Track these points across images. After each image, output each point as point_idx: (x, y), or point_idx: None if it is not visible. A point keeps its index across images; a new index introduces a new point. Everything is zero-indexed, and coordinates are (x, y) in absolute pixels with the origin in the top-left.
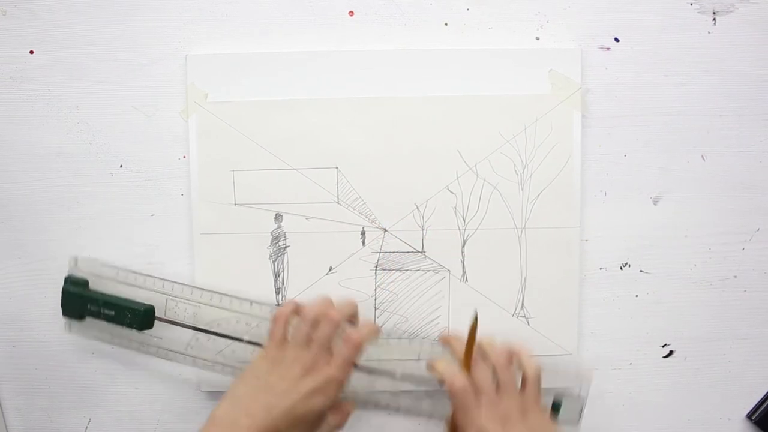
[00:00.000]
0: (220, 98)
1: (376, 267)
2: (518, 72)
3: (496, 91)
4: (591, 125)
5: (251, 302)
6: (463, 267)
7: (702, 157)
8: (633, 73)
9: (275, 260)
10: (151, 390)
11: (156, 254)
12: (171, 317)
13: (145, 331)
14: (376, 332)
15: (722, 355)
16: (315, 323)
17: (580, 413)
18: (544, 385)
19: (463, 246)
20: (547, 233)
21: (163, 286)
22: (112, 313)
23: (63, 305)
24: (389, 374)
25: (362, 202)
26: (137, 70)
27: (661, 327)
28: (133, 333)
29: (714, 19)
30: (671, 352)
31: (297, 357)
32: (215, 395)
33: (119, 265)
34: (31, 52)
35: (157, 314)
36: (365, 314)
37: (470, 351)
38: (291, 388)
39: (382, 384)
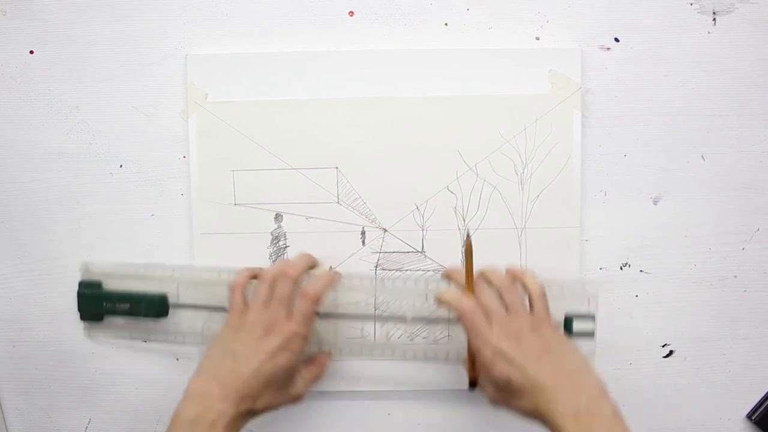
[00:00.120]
0: (220, 98)
1: (376, 267)
2: (518, 72)
3: (496, 91)
4: (591, 125)
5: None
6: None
7: (702, 157)
8: (633, 73)
9: (275, 260)
10: (151, 390)
11: (156, 254)
12: (185, 301)
13: (161, 320)
14: (334, 281)
15: (722, 355)
16: (273, 283)
17: (593, 327)
18: (553, 309)
19: (464, 246)
20: (547, 233)
21: (173, 272)
22: (128, 306)
23: (80, 309)
24: (400, 319)
25: (362, 202)
26: (137, 70)
27: (661, 327)
28: (150, 323)
29: (714, 19)
30: (671, 352)
31: (257, 319)
32: None
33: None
34: (31, 52)
35: (170, 301)
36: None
37: (471, 274)
38: (255, 350)
39: (395, 330)
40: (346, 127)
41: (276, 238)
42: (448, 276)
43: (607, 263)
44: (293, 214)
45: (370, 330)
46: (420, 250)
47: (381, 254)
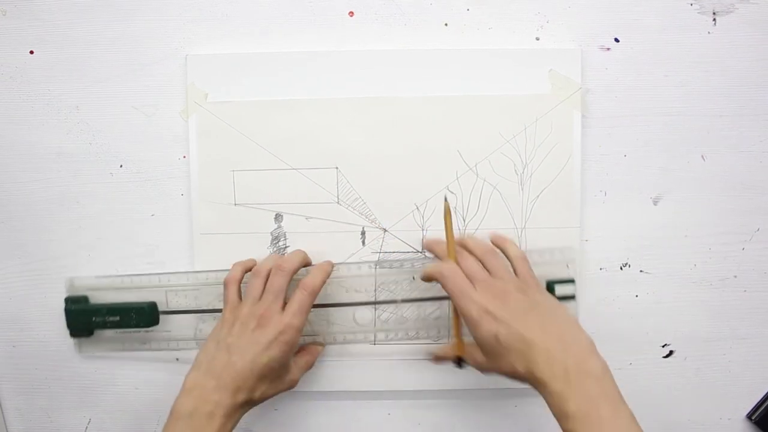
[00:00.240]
0: (220, 98)
1: (376, 267)
2: (518, 72)
3: (496, 91)
4: (591, 125)
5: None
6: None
7: (702, 157)
8: (633, 73)
9: None
10: (151, 390)
11: (156, 254)
12: (174, 307)
13: (153, 328)
14: (329, 273)
15: (722, 355)
16: (267, 277)
17: (574, 291)
18: (541, 274)
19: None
20: (547, 233)
21: (159, 280)
22: (118, 318)
23: (69, 325)
24: (391, 302)
25: (362, 202)
26: (137, 70)
27: (661, 327)
28: (141, 333)
29: (714, 19)
30: (671, 352)
31: (251, 312)
32: None
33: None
34: (31, 52)
35: (160, 308)
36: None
37: (451, 239)
38: (249, 342)
39: (386, 313)
40: (346, 127)
41: (276, 238)
42: (429, 247)
43: (607, 263)
44: (293, 214)
45: (362, 316)
46: (420, 250)
47: (381, 254)
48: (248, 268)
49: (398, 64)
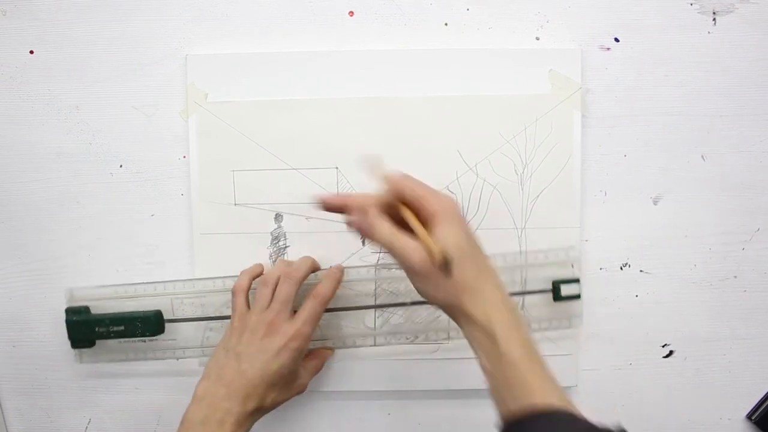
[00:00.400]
0: (220, 98)
1: (376, 267)
2: (518, 72)
3: (496, 91)
4: (591, 125)
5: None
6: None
7: (702, 157)
8: (633, 73)
9: (275, 260)
10: (151, 390)
11: (156, 254)
12: (179, 315)
13: (158, 337)
14: (340, 280)
15: (722, 355)
16: (275, 285)
17: (579, 290)
18: (540, 275)
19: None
20: (547, 233)
21: (165, 288)
22: (122, 328)
23: (70, 337)
24: (401, 305)
25: None
26: (137, 70)
27: (661, 327)
28: (146, 343)
29: (714, 19)
30: (671, 352)
31: (260, 320)
32: None
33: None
34: (31, 52)
35: (165, 317)
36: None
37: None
38: (259, 350)
39: (395, 316)
40: (346, 127)
41: (276, 238)
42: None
43: (607, 263)
44: (293, 214)
45: (371, 320)
46: None
47: (381, 254)
48: (255, 275)
49: (398, 64)
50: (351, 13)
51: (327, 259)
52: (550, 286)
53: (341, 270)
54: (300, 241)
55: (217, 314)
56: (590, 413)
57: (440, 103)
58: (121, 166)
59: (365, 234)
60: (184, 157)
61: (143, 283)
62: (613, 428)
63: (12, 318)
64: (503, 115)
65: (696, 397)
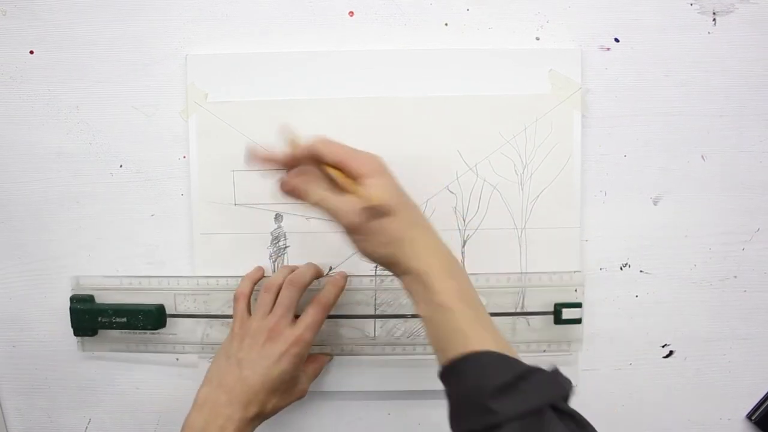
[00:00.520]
0: (220, 98)
1: (376, 267)
2: (518, 72)
3: (496, 91)
4: (591, 125)
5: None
6: (463, 267)
7: (702, 157)
8: (633, 73)
9: (275, 260)
10: (151, 390)
11: (156, 254)
12: (182, 311)
13: (159, 331)
14: (343, 287)
15: (722, 355)
16: (276, 291)
17: (581, 315)
18: (543, 298)
19: (463, 246)
20: (547, 233)
21: (169, 283)
22: (125, 320)
23: (74, 325)
24: (400, 316)
25: None
26: (137, 70)
27: (661, 327)
28: (147, 336)
29: (714, 19)
30: (671, 352)
31: (260, 326)
32: None
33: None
34: (31, 52)
35: (167, 311)
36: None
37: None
38: (260, 356)
39: (395, 328)
40: (346, 127)
41: (276, 238)
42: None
43: (607, 263)
44: (293, 214)
45: (371, 329)
46: None
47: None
48: (257, 279)
49: (398, 64)
50: (351, 13)
51: (327, 260)
52: (551, 308)
53: (344, 277)
54: (300, 241)
55: (218, 313)
56: (590, 413)
57: (440, 103)
58: (121, 166)
59: (299, 196)
60: (184, 157)
61: (148, 276)
62: (545, 368)
63: (12, 318)
64: (503, 115)
65: (696, 397)
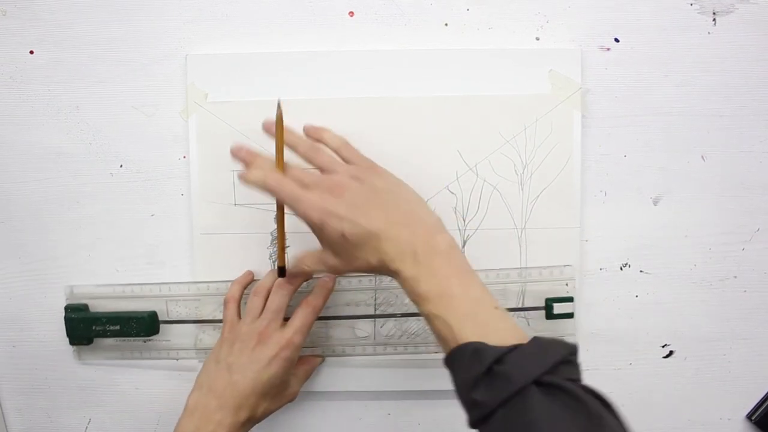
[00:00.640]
0: (220, 98)
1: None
2: (518, 72)
3: (496, 91)
4: (591, 125)
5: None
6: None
7: (702, 157)
8: (633, 73)
9: (275, 260)
10: (151, 390)
11: (156, 254)
12: (174, 317)
13: (153, 338)
14: (330, 290)
15: (722, 355)
16: (266, 295)
17: (572, 309)
18: (534, 294)
19: (463, 246)
20: (547, 233)
21: (160, 290)
22: (118, 327)
23: (69, 334)
24: (391, 315)
25: None
26: (137, 70)
27: (661, 327)
28: (141, 343)
29: (714, 20)
30: (671, 352)
31: (250, 330)
32: None
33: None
34: (31, 52)
35: (160, 318)
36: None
37: (281, 150)
38: (250, 360)
39: (385, 327)
40: (346, 127)
41: (276, 238)
42: (242, 157)
43: (607, 263)
44: (293, 214)
45: (362, 329)
46: None
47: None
48: (246, 284)
49: (398, 64)
50: (351, 14)
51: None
52: (543, 303)
53: (333, 280)
54: (300, 241)
55: (211, 317)
56: None
57: (440, 103)
58: (121, 166)
59: (270, 190)
60: (184, 157)
61: (140, 283)
62: (530, 340)
63: (12, 318)
64: (503, 115)
65: (696, 397)
